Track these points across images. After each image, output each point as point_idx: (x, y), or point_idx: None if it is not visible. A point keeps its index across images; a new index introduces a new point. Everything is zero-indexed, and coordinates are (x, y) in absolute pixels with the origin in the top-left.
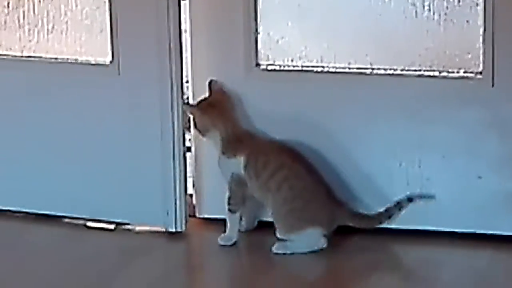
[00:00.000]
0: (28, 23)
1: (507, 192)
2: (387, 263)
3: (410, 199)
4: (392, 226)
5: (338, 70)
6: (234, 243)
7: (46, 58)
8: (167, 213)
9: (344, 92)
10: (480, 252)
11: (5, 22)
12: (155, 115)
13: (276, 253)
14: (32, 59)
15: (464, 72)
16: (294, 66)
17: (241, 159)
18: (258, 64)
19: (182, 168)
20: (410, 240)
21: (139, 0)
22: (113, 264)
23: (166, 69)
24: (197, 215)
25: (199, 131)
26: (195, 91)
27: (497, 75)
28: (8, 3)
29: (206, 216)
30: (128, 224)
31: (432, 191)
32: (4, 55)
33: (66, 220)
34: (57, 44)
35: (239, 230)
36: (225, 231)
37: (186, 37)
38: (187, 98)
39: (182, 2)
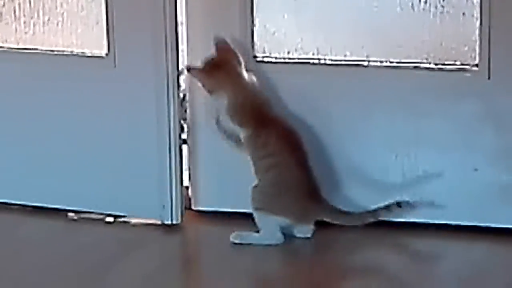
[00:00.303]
0: (24, 15)
1: (503, 185)
2: (383, 256)
3: (399, 204)
4: (387, 219)
5: (334, 62)
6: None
7: (42, 50)
8: (163, 206)
9: (340, 84)
10: (477, 244)
11: (0, 14)
12: (151, 107)
13: (234, 243)
14: (28, 51)
15: (461, 65)
16: (290, 58)
17: (245, 131)
18: (254, 56)
19: (178, 160)
20: (405, 232)
21: None
22: (108, 257)
23: (162, 61)
24: (193, 207)
25: (208, 91)
26: (191, 83)
27: (493, 68)
28: None
29: (202, 208)
30: (124, 216)
31: (427, 184)
32: (0, 47)
33: (62, 212)
34: (53, 36)
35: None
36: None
37: (182, 29)
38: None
39: None
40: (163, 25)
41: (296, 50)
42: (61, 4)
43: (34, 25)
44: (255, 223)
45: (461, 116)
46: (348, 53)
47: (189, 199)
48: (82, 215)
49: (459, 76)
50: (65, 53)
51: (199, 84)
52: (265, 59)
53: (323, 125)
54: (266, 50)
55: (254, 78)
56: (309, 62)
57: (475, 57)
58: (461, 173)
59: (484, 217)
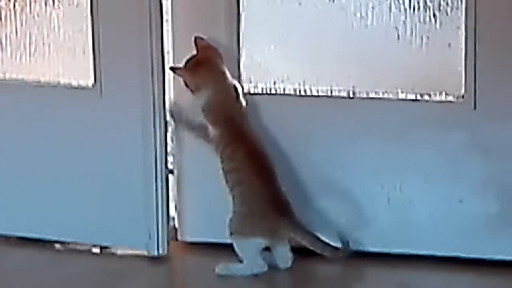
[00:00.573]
0: (10, 45)
1: (488, 216)
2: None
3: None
4: (372, 249)
5: (320, 93)
6: None
7: (28, 80)
8: (149, 236)
9: (326, 115)
10: (462, 276)
11: None
12: (137, 137)
13: (219, 275)
14: (15, 81)
15: (446, 95)
16: (276, 89)
17: (214, 131)
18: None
19: (164, 191)
20: (390, 263)
21: (121, 23)
22: None
23: (148, 91)
24: (179, 238)
25: (191, 90)
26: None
27: (479, 98)
28: None
29: (188, 239)
30: (110, 247)
31: (413, 214)
32: None
33: (48, 243)
34: (40, 66)
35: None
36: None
37: (168, 59)
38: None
39: (164, 24)
40: (150, 56)
41: (282, 81)
42: (48, 35)
43: (20, 56)
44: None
45: (447, 146)
46: (334, 84)
47: (175, 230)
48: (68, 246)
49: (445, 106)
50: (51, 83)
51: (182, 83)
52: (252, 90)
53: (309, 156)
54: (252, 80)
55: (235, 82)
56: (295, 93)
57: (460, 88)
58: (446, 204)
59: (470, 248)
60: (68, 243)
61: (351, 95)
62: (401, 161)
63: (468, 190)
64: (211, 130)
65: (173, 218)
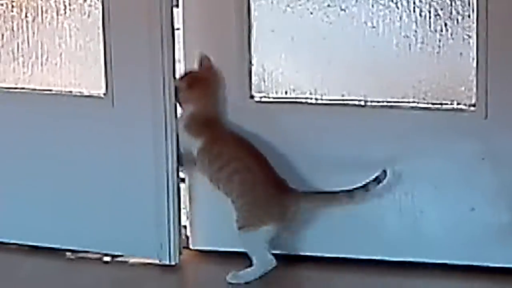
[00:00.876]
0: (22, 55)
1: (500, 224)
2: None
3: (378, 180)
4: (385, 258)
5: (331, 102)
6: None
7: (40, 90)
8: (161, 245)
9: (337, 124)
10: (474, 284)
11: None
12: (148, 146)
13: (230, 283)
14: (26, 91)
15: (458, 104)
16: (287, 98)
17: (198, 143)
18: (252, 96)
19: (176, 199)
20: (403, 272)
21: (133, 32)
22: None
23: (160, 101)
24: (191, 247)
25: (178, 102)
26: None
27: (490, 107)
28: (3, 35)
29: (200, 248)
30: (122, 256)
31: (424, 223)
32: None
33: (60, 252)
34: (51, 76)
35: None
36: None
37: (180, 68)
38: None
39: (175, 33)
40: (161, 65)
41: (293, 90)
42: (59, 44)
43: (32, 65)
44: (250, 260)
45: (458, 155)
46: (345, 93)
47: (187, 238)
48: (80, 255)
49: (456, 115)
50: (63, 93)
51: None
52: (263, 99)
53: (320, 164)
54: (263, 89)
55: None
56: (306, 102)
57: (472, 97)
58: (458, 213)
59: (482, 257)
60: (80, 252)
61: (362, 104)
62: (413, 169)
63: (479, 198)
64: (196, 144)
65: (185, 227)
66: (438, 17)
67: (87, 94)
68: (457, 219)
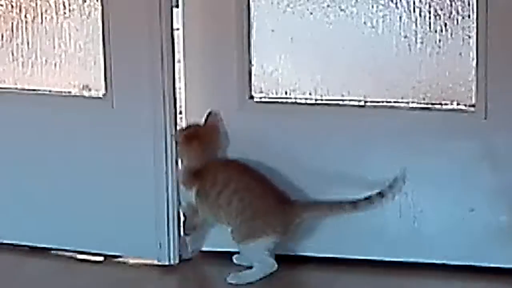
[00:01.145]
0: (22, 56)
1: (499, 225)
2: None
3: (381, 194)
4: (384, 258)
5: (331, 102)
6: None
7: (40, 90)
8: (160, 246)
9: (337, 124)
10: (474, 285)
11: None
12: (148, 147)
13: (230, 283)
14: (26, 92)
15: (457, 105)
16: (287, 99)
17: (193, 191)
18: (251, 97)
19: (175, 200)
20: (402, 272)
21: (132, 33)
22: None
23: (159, 101)
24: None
25: (177, 155)
26: (188, 123)
27: (490, 108)
28: (2, 36)
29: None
30: (121, 256)
31: (424, 223)
32: None
33: (60, 252)
34: (51, 76)
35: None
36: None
37: (180, 68)
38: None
39: (175, 33)
40: (161, 65)
41: (293, 90)
42: (59, 45)
43: (32, 66)
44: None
45: (458, 156)
46: (345, 93)
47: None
48: (80, 255)
49: (455, 116)
50: (62, 93)
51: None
52: (263, 99)
53: (319, 164)
54: (263, 90)
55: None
56: (306, 102)
57: (471, 97)
58: (457, 213)
59: (482, 257)
60: (80, 253)
61: (362, 104)
62: (412, 169)
63: (479, 198)
64: (192, 193)
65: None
66: (437, 17)
67: (87, 95)
68: (457, 219)
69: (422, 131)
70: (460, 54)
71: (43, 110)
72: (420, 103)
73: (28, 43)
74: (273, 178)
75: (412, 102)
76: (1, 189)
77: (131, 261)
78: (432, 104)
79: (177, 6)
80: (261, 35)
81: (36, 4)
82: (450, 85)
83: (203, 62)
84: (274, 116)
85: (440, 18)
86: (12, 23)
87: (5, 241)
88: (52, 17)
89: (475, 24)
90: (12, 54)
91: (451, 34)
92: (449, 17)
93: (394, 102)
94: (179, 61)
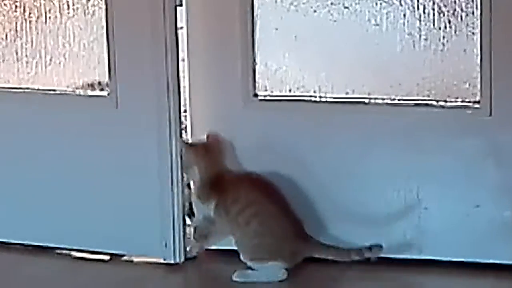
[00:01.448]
0: (26, 56)
1: (505, 221)
2: None
3: (380, 247)
4: (390, 255)
5: (335, 99)
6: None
7: (44, 90)
8: (165, 245)
9: (341, 122)
10: (479, 281)
11: (3, 54)
12: (153, 146)
13: (236, 281)
14: (30, 91)
15: (462, 102)
16: (291, 96)
17: (212, 203)
18: (256, 95)
19: (180, 199)
20: (408, 269)
21: (136, 32)
22: None
23: (164, 100)
24: None
25: (182, 167)
26: (193, 121)
27: (495, 104)
28: (6, 35)
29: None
30: (126, 255)
31: (429, 220)
32: (2, 87)
33: (65, 251)
34: (55, 76)
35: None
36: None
37: (184, 67)
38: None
39: (179, 31)
40: (165, 64)
41: (297, 88)
42: (63, 45)
43: (36, 65)
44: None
45: (463, 152)
46: (349, 91)
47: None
48: (85, 254)
49: (460, 113)
50: (67, 93)
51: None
52: (267, 97)
53: (325, 161)
54: (267, 88)
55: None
56: (310, 100)
57: (476, 94)
58: (463, 209)
59: (487, 253)
60: (85, 252)
61: (366, 101)
62: (417, 166)
63: (484, 195)
64: (211, 206)
65: (189, 226)
66: (441, 14)
67: (91, 94)
68: (462, 216)
69: (426, 128)
70: (465, 51)
71: (48, 109)
72: (425, 100)
73: (32, 43)
74: (278, 176)
75: (417, 99)
76: (6, 188)
77: (137, 259)
78: (437, 101)
79: (180, 5)
80: (265, 33)
81: (40, 4)
82: (454, 82)
83: (207, 60)
84: (279, 114)
85: (444, 15)
86: (16, 22)
87: (10, 241)
88: (56, 17)
89: (479, 21)
90: (17, 54)
91: (455, 31)
92: (453, 14)
93: (399, 99)
94: (183, 60)
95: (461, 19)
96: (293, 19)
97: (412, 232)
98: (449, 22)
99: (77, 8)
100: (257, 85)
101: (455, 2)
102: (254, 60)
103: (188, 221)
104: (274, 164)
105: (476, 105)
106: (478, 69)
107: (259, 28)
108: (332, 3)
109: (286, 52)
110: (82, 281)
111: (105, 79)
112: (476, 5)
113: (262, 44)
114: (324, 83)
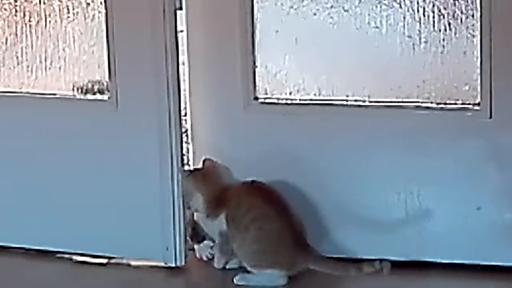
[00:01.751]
0: (27, 60)
1: (506, 223)
2: None
3: (379, 262)
4: (391, 257)
5: (336, 102)
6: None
7: (44, 94)
8: (167, 248)
9: (342, 124)
10: (480, 283)
11: (3, 58)
12: (153, 149)
13: (237, 285)
14: (31, 95)
15: (462, 104)
16: (292, 99)
17: (222, 215)
18: (256, 97)
19: (181, 202)
20: (408, 272)
21: (136, 35)
22: None
23: (164, 103)
24: None
25: (184, 195)
26: (193, 125)
27: (495, 107)
28: (7, 39)
29: None
30: (127, 258)
31: (431, 222)
32: (2, 91)
33: (66, 255)
34: (55, 80)
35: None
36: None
37: (184, 70)
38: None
39: (179, 35)
40: (165, 67)
41: (298, 91)
42: (63, 49)
43: (36, 70)
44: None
45: (463, 154)
46: (349, 93)
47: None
48: (86, 258)
49: (460, 115)
50: (67, 97)
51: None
52: (267, 100)
53: (325, 165)
54: (268, 91)
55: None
56: (310, 103)
57: (476, 96)
58: (464, 212)
59: (489, 256)
60: (86, 255)
61: (366, 104)
62: (418, 169)
63: (485, 197)
64: (222, 220)
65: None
66: (441, 16)
67: (91, 97)
68: (463, 218)
69: (427, 131)
70: (465, 53)
71: (48, 113)
72: (425, 103)
73: (32, 47)
74: (278, 178)
75: (417, 102)
76: (7, 192)
77: (138, 263)
78: (437, 103)
79: (180, 8)
80: (265, 36)
81: (40, 8)
82: (454, 84)
83: (207, 63)
84: (279, 117)
85: (444, 18)
86: (17, 27)
87: (10, 245)
88: (56, 21)
89: (479, 23)
90: (17, 58)
91: (455, 33)
92: (453, 16)
93: (399, 102)
94: (183, 63)
95: (461, 21)
96: (293, 22)
97: (413, 234)
98: (449, 24)
99: (77, 12)
100: (257, 88)
101: (455, 4)
102: (254, 63)
103: (195, 247)
104: (274, 166)
105: (476, 107)
106: (478, 71)
107: (259, 31)
108: (332, 6)
109: (286, 55)
110: (83, 285)
111: (106, 83)
112: (476, 8)
113: (262, 47)
114: (325, 85)
